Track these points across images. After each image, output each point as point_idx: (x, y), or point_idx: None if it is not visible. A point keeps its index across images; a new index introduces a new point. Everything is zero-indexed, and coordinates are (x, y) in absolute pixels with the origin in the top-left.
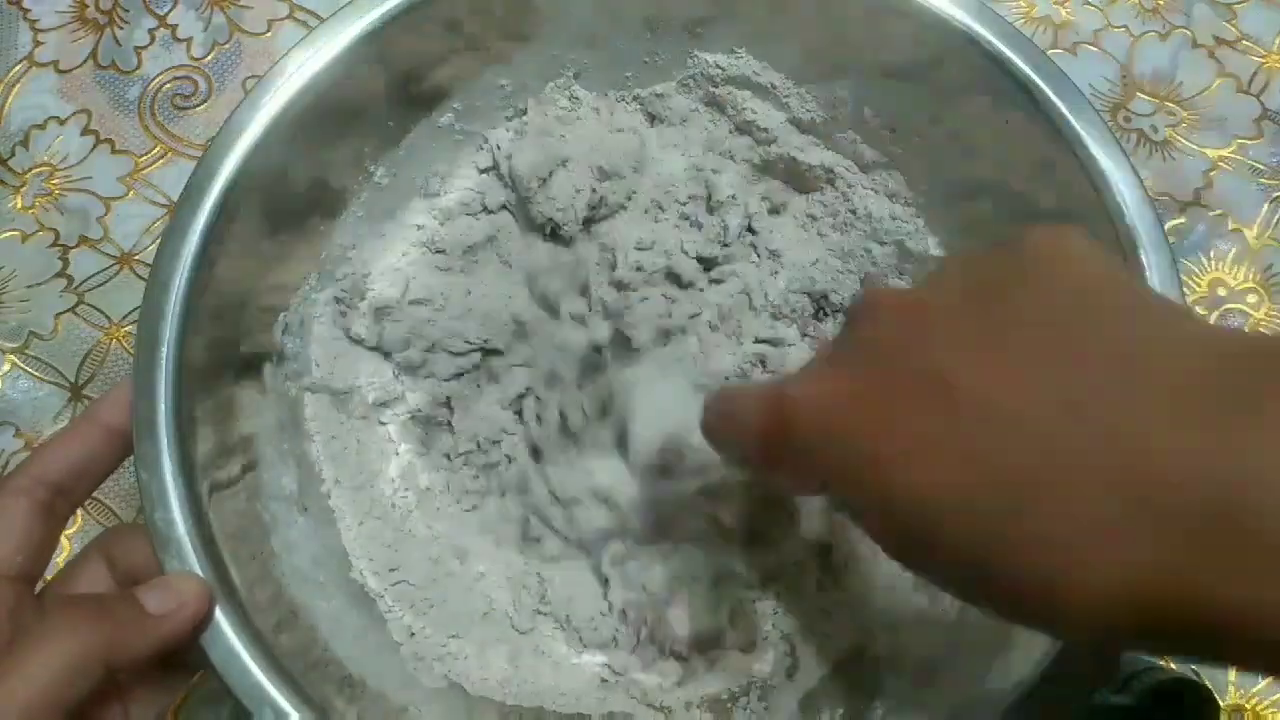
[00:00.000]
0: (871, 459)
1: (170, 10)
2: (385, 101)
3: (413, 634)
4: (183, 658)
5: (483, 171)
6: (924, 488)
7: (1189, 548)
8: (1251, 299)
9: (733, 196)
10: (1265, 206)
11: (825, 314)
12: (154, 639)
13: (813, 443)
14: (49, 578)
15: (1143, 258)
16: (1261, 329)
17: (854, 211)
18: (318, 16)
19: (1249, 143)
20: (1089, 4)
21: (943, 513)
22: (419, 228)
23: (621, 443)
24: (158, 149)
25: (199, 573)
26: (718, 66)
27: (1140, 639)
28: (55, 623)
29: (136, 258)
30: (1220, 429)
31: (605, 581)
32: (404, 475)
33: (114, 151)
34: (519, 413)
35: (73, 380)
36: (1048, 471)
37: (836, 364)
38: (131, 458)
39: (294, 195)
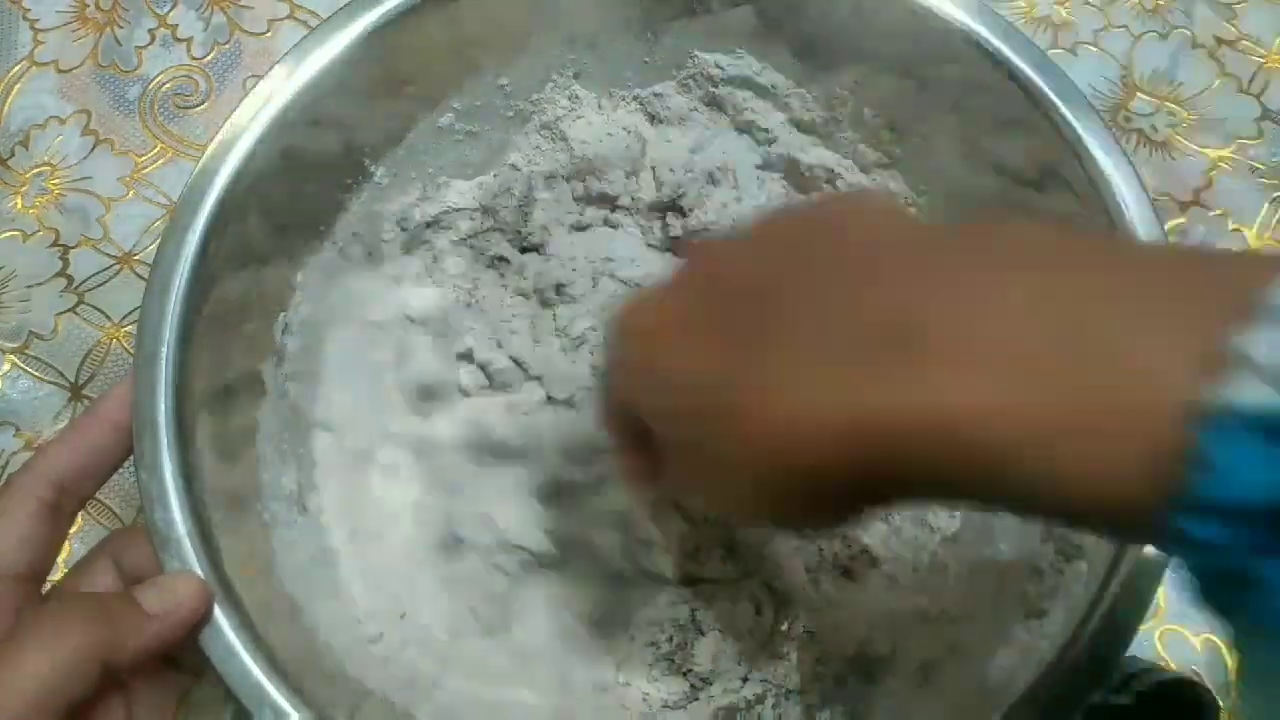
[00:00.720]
0: (646, 360)
1: (170, 10)
2: (385, 101)
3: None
4: (184, 657)
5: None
6: (687, 371)
7: (873, 375)
8: None
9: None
10: (1265, 206)
11: None
12: (152, 637)
13: (619, 340)
14: (56, 579)
15: None
16: None
17: None
18: (318, 16)
19: (1249, 143)
20: (1089, 4)
21: (689, 389)
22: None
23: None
24: (158, 149)
25: (199, 573)
26: (717, 66)
27: (850, 471)
28: (53, 620)
29: (136, 258)
30: (906, 283)
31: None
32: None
33: (114, 151)
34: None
35: (73, 380)
36: (774, 328)
37: (667, 298)
38: (132, 458)
39: (294, 195)
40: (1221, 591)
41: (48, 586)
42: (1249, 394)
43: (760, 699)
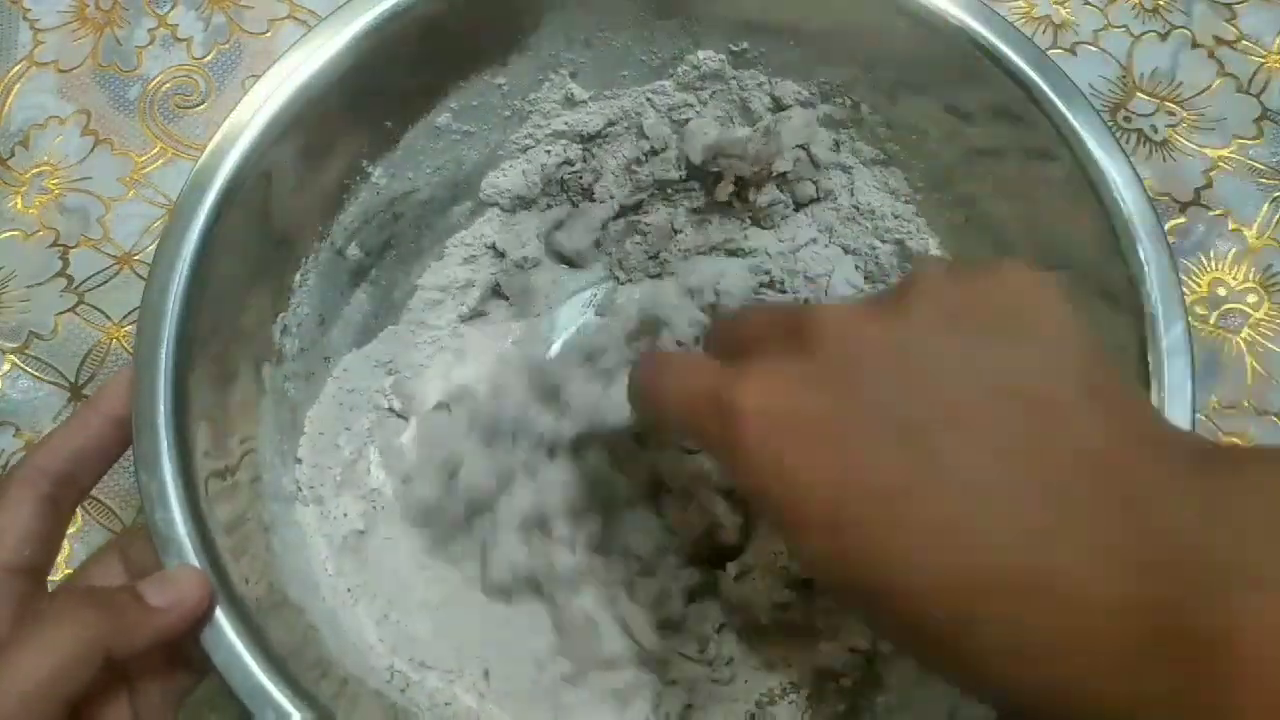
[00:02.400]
0: (829, 522)
1: (170, 10)
2: (383, 101)
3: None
4: (191, 655)
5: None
6: (886, 570)
7: (1116, 673)
8: (1251, 299)
9: None
10: (1265, 206)
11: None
12: (154, 631)
13: (757, 462)
14: (56, 578)
15: (1142, 256)
16: (1261, 329)
17: (857, 207)
18: (317, 16)
19: (1249, 143)
20: (1089, 4)
21: (894, 598)
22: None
23: None
24: (158, 149)
25: None
26: (714, 64)
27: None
28: (56, 613)
29: (136, 258)
30: (1164, 577)
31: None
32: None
33: (114, 151)
34: None
35: (73, 380)
36: (1008, 592)
37: (799, 378)
38: (132, 458)
39: (293, 195)
40: None
41: (53, 584)
42: None
43: (783, 693)
